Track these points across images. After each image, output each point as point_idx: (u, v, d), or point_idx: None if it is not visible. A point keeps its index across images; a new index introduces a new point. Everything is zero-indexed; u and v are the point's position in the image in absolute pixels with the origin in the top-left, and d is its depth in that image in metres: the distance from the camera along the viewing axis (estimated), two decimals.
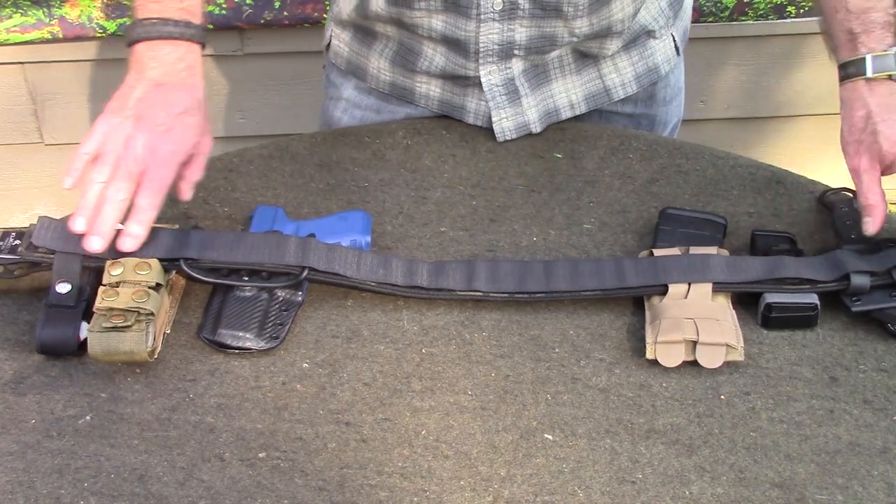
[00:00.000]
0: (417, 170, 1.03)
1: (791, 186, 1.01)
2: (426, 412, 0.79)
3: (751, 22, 1.81)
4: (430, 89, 1.08)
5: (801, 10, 1.80)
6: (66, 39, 1.78)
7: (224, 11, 1.74)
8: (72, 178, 0.85)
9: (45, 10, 1.73)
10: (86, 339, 0.79)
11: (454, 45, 1.01)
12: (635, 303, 0.88)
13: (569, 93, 1.07)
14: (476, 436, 0.77)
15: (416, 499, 0.72)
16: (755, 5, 1.77)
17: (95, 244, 0.81)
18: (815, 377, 0.81)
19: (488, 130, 1.07)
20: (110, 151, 0.83)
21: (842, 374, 0.82)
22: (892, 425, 0.78)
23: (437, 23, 0.99)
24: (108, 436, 0.77)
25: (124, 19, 1.74)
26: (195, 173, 0.89)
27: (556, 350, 0.84)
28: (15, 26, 1.74)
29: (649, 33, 1.07)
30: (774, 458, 0.75)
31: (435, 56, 1.04)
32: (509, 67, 1.03)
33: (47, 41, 1.77)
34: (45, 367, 0.82)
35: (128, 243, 0.83)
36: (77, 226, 0.82)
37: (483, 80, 1.03)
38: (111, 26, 1.75)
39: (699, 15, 1.78)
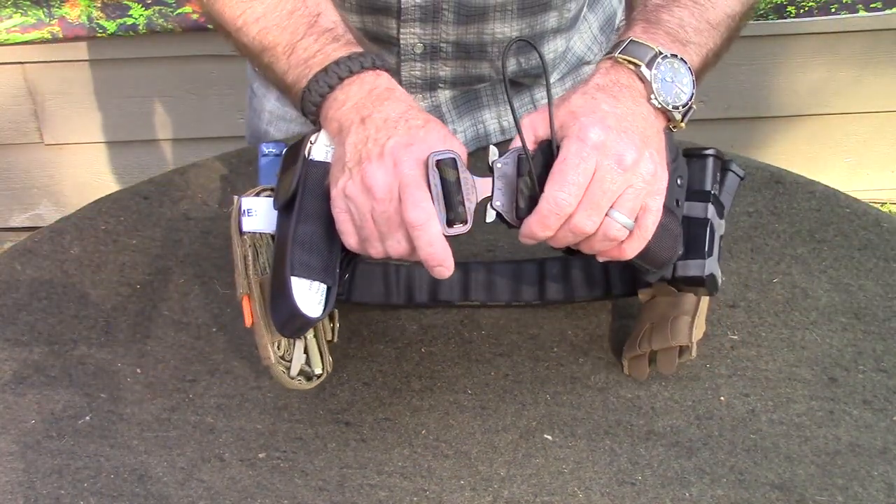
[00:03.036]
0: None
1: (790, 186, 1.01)
2: (426, 411, 0.79)
3: (751, 22, 1.81)
4: None
5: (801, 10, 1.80)
6: (66, 39, 1.78)
7: None
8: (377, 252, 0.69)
9: (45, 10, 1.73)
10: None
11: None
12: (631, 302, 0.88)
13: (500, 119, 1.04)
14: (476, 435, 0.77)
15: (415, 498, 0.72)
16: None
17: (444, 272, 0.68)
18: (814, 378, 0.81)
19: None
20: (363, 221, 0.68)
21: (841, 375, 0.82)
22: (892, 426, 0.78)
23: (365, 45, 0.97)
24: (108, 436, 0.77)
25: (124, 19, 1.75)
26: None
27: (555, 350, 0.84)
28: (15, 26, 1.74)
29: (585, 63, 1.06)
30: (774, 460, 0.75)
31: None
32: (435, 96, 1.01)
33: (47, 41, 1.78)
34: (45, 367, 0.82)
35: (441, 272, 0.68)
36: None
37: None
38: (111, 26, 1.75)
39: None
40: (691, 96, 0.69)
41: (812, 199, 0.99)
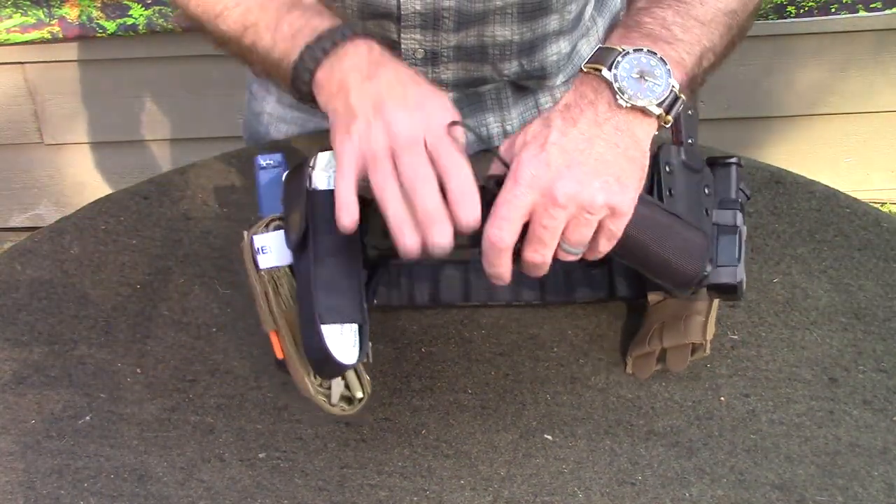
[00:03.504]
0: None
1: (790, 186, 1.01)
2: (426, 411, 0.79)
3: None
4: None
5: (801, 10, 1.80)
6: (66, 39, 1.78)
7: None
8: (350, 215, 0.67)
9: (45, 10, 1.73)
10: None
11: None
12: (631, 303, 0.88)
13: (504, 123, 1.04)
14: (476, 435, 0.77)
15: (415, 498, 0.72)
16: None
17: (470, 218, 0.66)
18: (814, 378, 0.81)
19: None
20: (378, 167, 0.66)
21: (841, 375, 0.82)
22: (892, 426, 0.78)
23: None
24: (108, 436, 0.77)
25: (124, 19, 1.75)
26: (459, 134, 0.69)
27: (555, 350, 0.84)
28: (15, 26, 1.74)
29: None
30: (774, 460, 0.75)
31: None
32: None
33: (47, 41, 1.78)
34: (45, 367, 0.82)
35: (468, 217, 0.65)
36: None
37: None
38: (111, 26, 1.76)
39: None
40: (668, 87, 0.66)
41: (812, 199, 0.99)
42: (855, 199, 0.99)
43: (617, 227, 0.66)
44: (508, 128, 1.05)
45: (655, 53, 0.67)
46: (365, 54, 0.70)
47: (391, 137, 0.65)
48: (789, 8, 1.79)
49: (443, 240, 0.65)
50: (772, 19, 1.80)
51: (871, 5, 1.80)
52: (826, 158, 2.09)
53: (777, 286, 0.90)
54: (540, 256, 0.66)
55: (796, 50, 1.90)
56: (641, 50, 0.67)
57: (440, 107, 0.67)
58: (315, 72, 0.71)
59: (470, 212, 0.65)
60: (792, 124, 2.03)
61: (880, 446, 0.76)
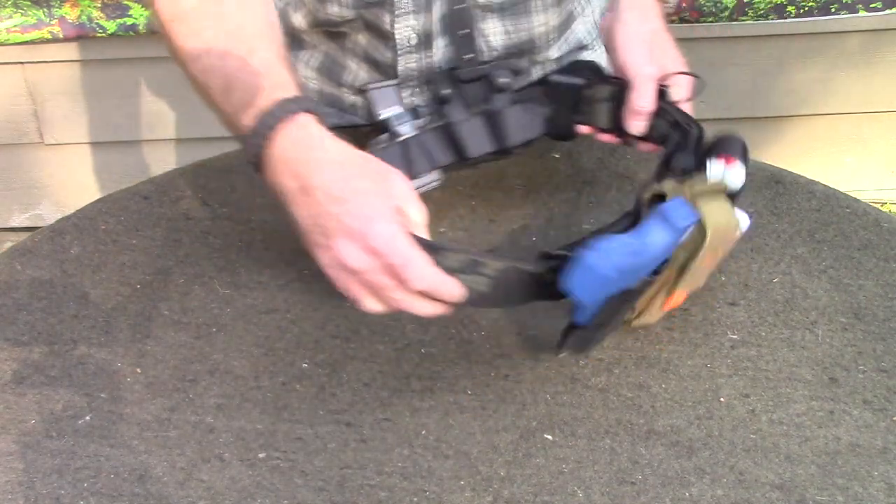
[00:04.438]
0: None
1: (790, 186, 1.01)
2: (426, 412, 0.79)
3: (751, 22, 1.81)
4: (357, 100, 1.06)
5: (801, 10, 1.80)
6: (66, 39, 1.78)
7: None
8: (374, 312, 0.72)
9: (45, 10, 1.73)
10: None
11: (375, 64, 1.01)
12: None
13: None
14: (476, 435, 0.77)
15: (415, 499, 0.72)
16: (755, 5, 1.77)
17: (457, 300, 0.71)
18: (814, 378, 0.81)
19: None
20: (355, 287, 0.70)
21: (841, 375, 0.82)
22: (892, 426, 0.78)
23: (362, 39, 0.99)
24: (108, 436, 0.77)
25: (124, 19, 1.75)
26: (415, 214, 0.72)
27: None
28: (15, 26, 1.74)
29: (583, 48, 1.08)
30: (774, 460, 0.75)
31: (359, 71, 1.02)
32: (434, 88, 1.00)
33: (47, 41, 1.78)
34: (45, 367, 0.82)
35: (455, 300, 0.71)
36: None
37: (405, 101, 1.01)
38: (111, 26, 1.76)
39: (699, 15, 1.78)
40: None
41: (812, 199, 0.99)
42: (855, 199, 0.99)
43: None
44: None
45: None
46: (291, 147, 0.71)
47: (349, 270, 0.68)
48: (789, 8, 1.79)
49: (440, 311, 0.71)
50: (772, 19, 1.80)
51: (871, 5, 1.80)
52: (826, 158, 2.09)
53: (777, 286, 0.90)
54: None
55: (796, 50, 1.91)
56: None
57: (380, 211, 0.68)
58: (259, 165, 0.73)
59: (452, 295, 0.70)
60: (792, 124, 2.03)
61: (880, 446, 0.76)
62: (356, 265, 0.68)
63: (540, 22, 1.00)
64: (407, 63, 0.98)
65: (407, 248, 0.68)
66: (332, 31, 1.00)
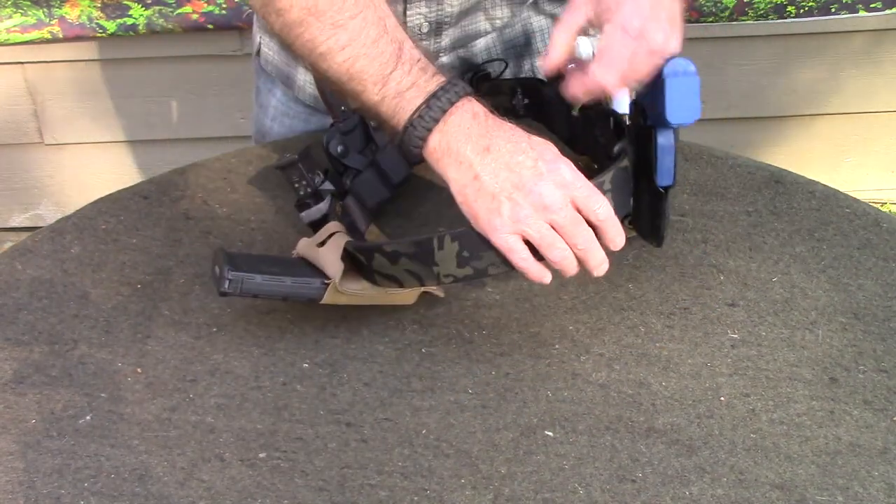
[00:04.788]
0: (416, 169, 1.03)
1: (790, 186, 1.01)
2: (426, 411, 0.79)
3: (751, 22, 1.81)
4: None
5: (801, 10, 1.80)
6: (66, 39, 1.78)
7: (224, 11, 1.74)
8: (546, 276, 0.76)
9: (45, 10, 1.73)
10: None
11: None
12: (632, 296, 0.88)
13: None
14: (476, 434, 0.77)
15: (416, 498, 0.72)
16: (755, 5, 1.77)
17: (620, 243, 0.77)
18: (814, 378, 0.81)
19: None
20: (542, 235, 0.74)
21: (841, 375, 0.82)
22: (893, 426, 0.78)
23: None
24: (108, 436, 0.77)
25: (124, 19, 1.75)
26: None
27: (556, 346, 0.84)
28: (15, 26, 1.74)
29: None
30: (775, 460, 0.75)
31: None
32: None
33: (47, 41, 1.78)
34: (45, 367, 0.82)
35: (620, 243, 0.77)
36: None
37: None
38: (111, 26, 1.76)
39: (699, 15, 1.78)
40: None
41: (812, 198, 0.99)
42: (855, 199, 0.99)
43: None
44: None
45: None
46: (470, 120, 0.75)
47: (545, 211, 0.73)
48: (789, 8, 1.79)
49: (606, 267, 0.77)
50: (772, 19, 1.80)
51: (871, 5, 1.81)
52: (826, 158, 2.09)
53: (776, 285, 0.90)
54: (559, 252, 0.75)
55: (796, 50, 1.91)
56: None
57: (557, 157, 0.74)
58: (426, 140, 0.75)
59: (620, 241, 0.76)
60: (792, 124, 2.03)
61: (881, 446, 0.76)
62: (552, 202, 0.72)
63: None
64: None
65: (587, 182, 0.74)
66: None
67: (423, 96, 0.75)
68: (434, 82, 0.75)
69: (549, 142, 0.76)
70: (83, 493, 0.73)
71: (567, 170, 0.74)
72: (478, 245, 0.76)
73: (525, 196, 0.72)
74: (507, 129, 0.75)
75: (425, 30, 0.96)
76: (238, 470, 0.74)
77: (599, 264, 0.76)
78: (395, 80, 0.75)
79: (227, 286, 0.79)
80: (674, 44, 0.79)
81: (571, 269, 0.76)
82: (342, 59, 0.77)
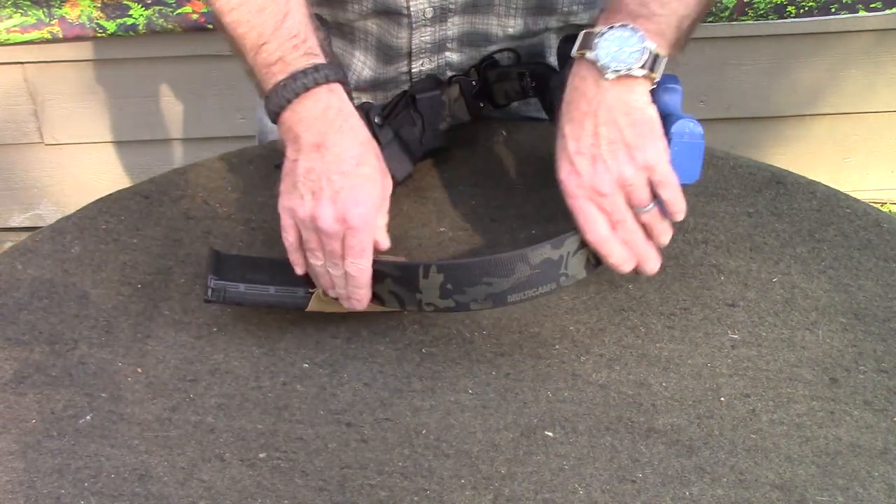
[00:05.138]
0: (416, 169, 1.03)
1: (791, 186, 1.01)
2: (427, 411, 0.79)
3: (751, 22, 1.81)
4: (360, 96, 1.06)
5: (801, 10, 1.80)
6: (66, 39, 1.78)
7: None
8: (300, 266, 0.82)
9: (45, 10, 1.73)
10: None
11: (385, 50, 1.01)
12: (632, 296, 0.88)
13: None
14: (477, 434, 0.77)
15: (416, 498, 0.72)
16: (755, 5, 1.77)
17: (358, 306, 0.82)
18: (815, 378, 0.81)
19: (488, 129, 1.07)
20: (308, 238, 0.79)
21: (842, 376, 0.82)
22: (893, 426, 0.78)
23: (372, 26, 0.99)
24: (108, 436, 0.77)
25: (124, 19, 1.75)
26: (383, 219, 0.82)
27: (556, 347, 0.84)
28: (15, 26, 1.74)
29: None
30: (775, 460, 0.75)
31: (364, 68, 1.03)
32: (443, 57, 1.03)
33: (47, 41, 1.78)
34: (46, 367, 0.82)
35: (356, 305, 0.81)
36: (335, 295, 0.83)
37: (414, 70, 1.03)
38: (111, 26, 1.76)
39: None
40: (643, 51, 0.75)
41: (813, 199, 0.99)
42: (855, 200, 0.99)
43: (663, 173, 0.76)
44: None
45: (628, 25, 0.76)
46: (321, 111, 0.78)
47: (316, 228, 0.77)
48: (789, 8, 1.79)
49: (346, 306, 0.82)
50: (772, 19, 1.80)
51: (871, 5, 1.81)
52: (826, 158, 2.09)
53: (777, 286, 0.90)
54: (630, 232, 0.77)
55: (796, 50, 1.91)
56: (615, 27, 0.76)
57: (370, 201, 0.77)
58: (279, 114, 0.79)
59: (359, 305, 0.81)
60: (792, 124, 2.03)
61: (881, 447, 0.76)
62: (324, 226, 0.76)
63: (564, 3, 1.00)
64: (421, 37, 0.99)
65: (370, 236, 0.78)
66: (341, 28, 1.00)
67: (285, 73, 0.77)
68: (301, 62, 0.78)
69: (376, 180, 0.78)
70: (83, 493, 0.73)
71: (358, 216, 0.76)
72: (463, 280, 0.78)
73: (312, 205, 0.77)
74: (348, 137, 0.78)
75: (429, 15, 0.96)
76: (238, 470, 0.74)
77: (353, 301, 0.81)
78: (266, 52, 0.79)
79: (209, 294, 0.81)
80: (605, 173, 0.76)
81: (323, 284, 0.81)
82: (229, 20, 0.81)
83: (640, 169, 0.75)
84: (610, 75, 0.75)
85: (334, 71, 0.79)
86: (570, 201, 0.78)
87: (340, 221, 0.76)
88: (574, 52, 0.77)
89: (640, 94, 0.76)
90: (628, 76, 0.75)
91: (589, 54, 0.76)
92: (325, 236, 0.77)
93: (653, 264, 0.80)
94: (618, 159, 0.75)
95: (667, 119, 0.78)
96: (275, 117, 0.80)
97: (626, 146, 0.75)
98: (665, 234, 0.80)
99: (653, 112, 0.76)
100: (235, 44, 0.82)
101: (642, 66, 0.75)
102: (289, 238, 0.80)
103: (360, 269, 0.78)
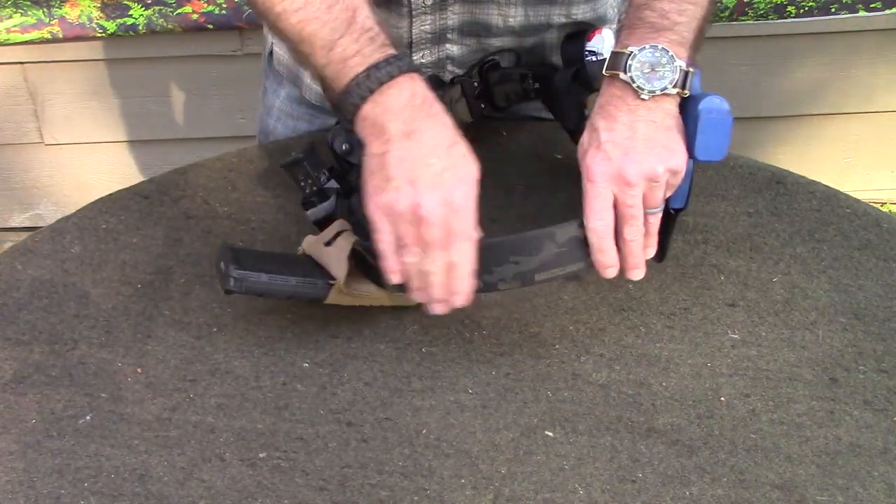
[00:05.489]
0: None
1: (791, 186, 1.01)
2: (427, 411, 0.79)
3: (751, 22, 1.81)
4: None
5: (801, 10, 1.80)
6: (66, 39, 1.78)
7: (224, 11, 1.74)
8: (396, 274, 0.77)
9: (45, 10, 1.73)
10: None
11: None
12: (632, 296, 0.88)
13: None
14: (477, 434, 0.77)
15: (416, 498, 0.72)
16: (755, 5, 1.77)
17: (459, 301, 0.78)
18: (815, 378, 0.81)
19: (488, 129, 1.07)
20: (404, 234, 0.75)
21: (842, 376, 0.82)
22: (893, 426, 0.78)
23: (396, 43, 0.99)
24: (108, 436, 0.77)
25: (124, 19, 1.75)
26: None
27: (557, 347, 0.84)
28: (15, 26, 1.74)
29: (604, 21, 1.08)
30: (775, 460, 0.75)
31: None
32: (443, 50, 1.02)
33: (47, 41, 1.78)
34: (46, 367, 0.82)
35: (457, 302, 0.78)
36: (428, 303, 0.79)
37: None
38: (111, 26, 1.76)
39: None
40: (676, 70, 0.77)
41: (812, 199, 0.99)
42: (855, 200, 0.99)
43: (677, 181, 0.79)
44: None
45: (658, 46, 0.78)
46: (407, 100, 0.75)
47: (416, 216, 0.73)
48: (789, 8, 1.79)
49: (438, 311, 0.79)
50: (772, 19, 1.80)
51: (871, 5, 1.81)
52: (826, 158, 2.09)
53: (777, 286, 0.90)
54: (636, 230, 0.78)
55: (796, 50, 1.91)
56: (645, 48, 0.77)
57: (470, 179, 0.75)
58: (360, 107, 0.75)
59: (461, 301, 0.78)
60: (792, 124, 2.03)
61: (881, 446, 0.76)
62: (427, 214, 0.73)
63: (559, 12, 1.00)
64: (421, 26, 0.99)
65: (474, 218, 0.75)
66: None
67: (365, 65, 0.75)
68: (380, 53, 0.76)
69: (471, 160, 0.76)
70: (83, 493, 0.73)
71: (462, 196, 0.74)
72: (490, 260, 0.77)
73: (412, 194, 0.73)
74: (439, 122, 0.76)
75: (429, 2, 0.96)
76: (238, 470, 0.74)
77: (441, 303, 0.78)
78: (341, 47, 0.77)
79: (231, 284, 0.79)
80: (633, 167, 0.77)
81: (417, 287, 0.78)
82: (295, 20, 0.78)
83: (668, 170, 0.77)
84: (645, 95, 0.77)
85: (409, 61, 0.77)
86: (590, 185, 0.77)
87: (445, 205, 0.73)
88: (604, 71, 0.79)
89: (672, 104, 0.79)
90: (663, 94, 0.78)
91: (623, 76, 0.78)
92: (428, 226, 0.74)
93: (641, 273, 0.80)
94: (652, 155, 0.76)
95: (691, 98, 0.79)
96: (354, 112, 0.76)
97: (661, 146, 0.77)
98: (652, 247, 0.82)
99: (680, 122, 0.79)
100: (302, 45, 0.79)
101: (675, 85, 0.78)
102: (384, 240, 0.76)
103: (467, 257, 0.76)
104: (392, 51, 0.77)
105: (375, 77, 0.74)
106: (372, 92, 0.75)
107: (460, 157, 0.75)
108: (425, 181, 0.73)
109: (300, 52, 0.80)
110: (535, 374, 0.82)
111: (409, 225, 0.74)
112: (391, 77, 0.75)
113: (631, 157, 0.76)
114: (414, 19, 0.98)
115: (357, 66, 0.75)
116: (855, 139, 2.06)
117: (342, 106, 0.76)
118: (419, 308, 0.87)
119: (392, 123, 0.74)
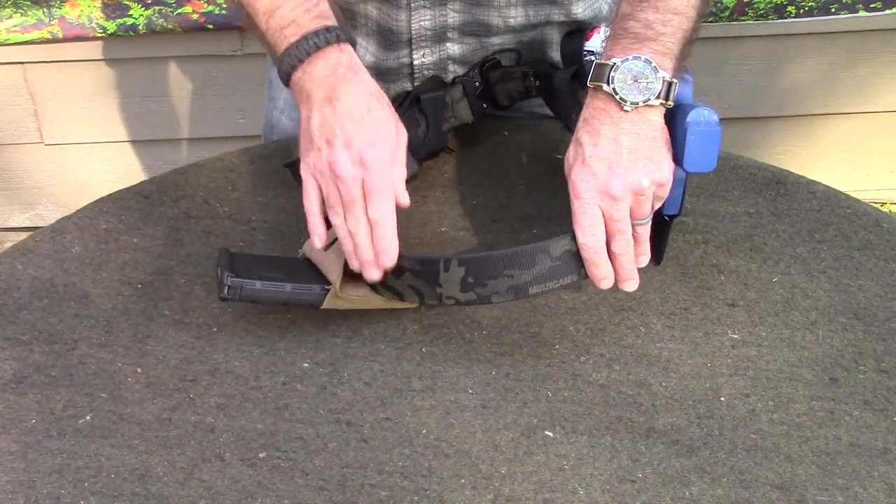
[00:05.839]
0: (422, 167, 1.03)
1: (791, 186, 1.01)
2: (427, 411, 0.79)
3: (751, 22, 1.81)
4: None
5: (801, 10, 1.80)
6: (66, 39, 1.78)
7: (224, 11, 1.74)
8: (319, 237, 0.81)
9: (45, 10, 1.73)
10: None
11: (386, 35, 1.01)
12: (632, 296, 0.88)
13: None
14: (477, 434, 0.77)
15: (416, 498, 0.72)
16: (755, 5, 1.77)
17: (388, 263, 0.80)
18: (814, 378, 0.81)
19: (489, 128, 1.07)
20: (329, 194, 0.78)
21: (842, 376, 0.82)
22: (893, 426, 0.78)
23: (372, 10, 0.99)
24: (108, 436, 0.77)
25: (124, 19, 1.75)
26: (401, 171, 0.80)
27: (557, 347, 0.84)
28: (15, 26, 1.74)
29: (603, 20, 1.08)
30: (775, 460, 0.75)
31: (366, 53, 1.03)
32: (444, 49, 1.03)
33: (47, 41, 1.78)
34: (46, 367, 0.82)
35: (386, 262, 0.79)
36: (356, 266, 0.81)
37: (416, 74, 1.04)
38: (111, 26, 1.76)
39: None
40: (659, 82, 0.77)
41: (813, 199, 0.99)
42: (855, 200, 0.99)
43: (664, 192, 0.79)
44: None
45: (641, 56, 0.77)
46: (331, 69, 0.79)
47: (334, 174, 0.77)
48: (789, 8, 1.79)
49: (373, 276, 0.80)
50: (772, 19, 1.80)
51: (871, 5, 1.81)
52: (826, 158, 2.09)
53: (777, 286, 0.90)
54: (624, 243, 0.78)
55: (796, 50, 1.91)
56: (628, 59, 0.77)
57: (384, 141, 0.78)
58: (290, 75, 0.80)
59: (388, 259, 0.79)
60: (792, 124, 2.03)
61: (881, 447, 0.76)
62: (341, 171, 0.76)
63: (558, 12, 1.00)
64: (421, 21, 0.99)
65: (390, 177, 0.78)
66: (343, 13, 1.00)
67: (298, 34, 0.79)
68: (314, 24, 0.79)
69: (389, 124, 0.79)
70: (83, 493, 0.73)
71: (374, 156, 0.76)
72: (484, 273, 0.77)
73: (328, 153, 0.77)
74: (358, 89, 0.79)
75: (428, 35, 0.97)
76: (238, 470, 0.74)
77: (365, 261, 0.80)
78: (279, 15, 0.81)
79: (226, 292, 0.80)
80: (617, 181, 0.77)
81: (348, 250, 0.80)
82: None
83: (653, 183, 0.77)
84: (628, 107, 0.77)
85: (344, 33, 0.80)
86: (577, 202, 0.78)
87: (357, 163, 0.76)
88: (588, 83, 0.79)
89: (657, 115, 0.78)
90: (647, 105, 0.77)
91: (605, 87, 0.77)
92: (343, 183, 0.77)
93: (634, 284, 0.80)
94: (637, 168, 0.76)
95: (680, 109, 0.78)
96: (287, 79, 0.81)
97: (646, 158, 0.77)
98: (645, 256, 0.82)
99: (666, 133, 0.78)
100: (249, 9, 0.83)
101: (658, 97, 0.77)
102: (310, 201, 0.80)
103: (384, 214, 0.77)
104: (326, 22, 0.80)
105: (303, 47, 0.79)
106: (301, 61, 0.79)
107: (375, 120, 0.78)
108: (339, 141, 0.77)
109: (246, 16, 0.84)
110: (535, 374, 0.82)
111: (331, 183, 0.78)
112: (318, 48, 0.79)
113: (616, 171, 0.76)
114: (413, 13, 0.98)
115: (291, 35, 0.80)
116: (855, 139, 2.06)
117: (280, 72, 0.81)
118: (419, 308, 0.87)
119: (316, 91, 0.79)
